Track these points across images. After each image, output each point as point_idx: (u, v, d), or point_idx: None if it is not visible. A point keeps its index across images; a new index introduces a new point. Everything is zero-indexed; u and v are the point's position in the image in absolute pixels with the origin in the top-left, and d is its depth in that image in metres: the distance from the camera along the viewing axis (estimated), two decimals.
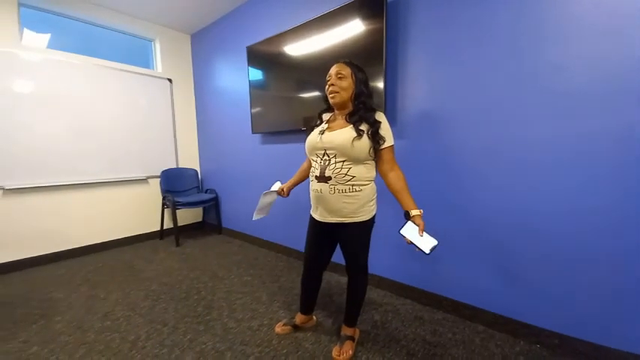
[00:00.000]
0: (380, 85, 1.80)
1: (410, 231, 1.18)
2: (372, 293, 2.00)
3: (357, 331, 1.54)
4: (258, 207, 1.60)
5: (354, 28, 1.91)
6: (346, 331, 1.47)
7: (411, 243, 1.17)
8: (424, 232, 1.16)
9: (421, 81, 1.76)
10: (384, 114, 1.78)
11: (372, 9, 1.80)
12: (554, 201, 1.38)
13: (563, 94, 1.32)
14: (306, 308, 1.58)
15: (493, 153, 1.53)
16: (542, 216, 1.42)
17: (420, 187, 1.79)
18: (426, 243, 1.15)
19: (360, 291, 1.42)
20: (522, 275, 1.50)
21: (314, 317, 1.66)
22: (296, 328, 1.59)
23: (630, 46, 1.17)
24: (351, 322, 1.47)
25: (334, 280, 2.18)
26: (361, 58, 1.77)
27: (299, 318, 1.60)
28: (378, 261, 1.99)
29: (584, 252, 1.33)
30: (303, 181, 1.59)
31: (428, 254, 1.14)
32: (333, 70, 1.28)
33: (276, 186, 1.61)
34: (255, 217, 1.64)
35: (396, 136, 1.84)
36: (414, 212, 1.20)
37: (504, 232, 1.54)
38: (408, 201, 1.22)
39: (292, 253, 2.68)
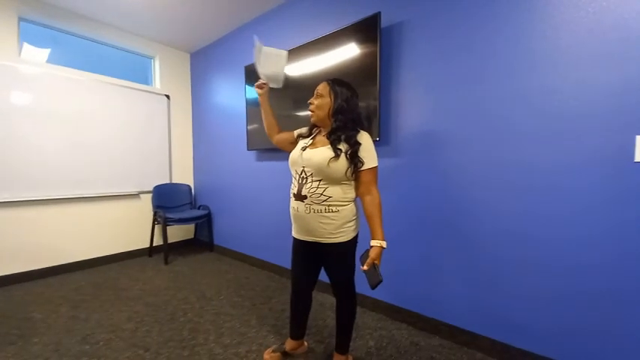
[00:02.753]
0: (375, 105, 1.82)
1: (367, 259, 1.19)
2: (367, 317, 1.93)
3: (350, 358, 1.46)
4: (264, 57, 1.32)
5: (349, 51, 1.96)
6: (338, 358, 1.41)
7: (364, 272, 1.17)
8: (376, 266, 1.16)
9: (416, 102, 1.78)
10: (379, 134, 1.83)
11: (366, 34, 1.85)
12: (554, 226, 1.36)
13: (556, 116, 1.34)
14: (297, 333, 1.51)
15: (489, 174, 1.53)
16: (541, 241, 1.40)
17: (416, 207, 1.79)
18: (375, 278, 1.14)
19: (348, 314, 1.37)
20: (522, 301, 1.46)
21: (305, 343, 1.58)
22: (286, 355, 1.51)
23: (619, 69, 1.20)
24: (342, 348, 1.41)
25: (328, 302, 2.11)
26: (357, 80, 1.80)
27: (289, 344, 1.52)
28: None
29: (585, 282, 1.30)
30: (270, 112, 1.48)
31: (372, 289, 1.15)
32: (316, 89, 1.31)
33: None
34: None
35: (389, 154, 1.87)
36: (372, 242, 1.19)
37: (503, 255, 1.51)
38: (375, 229, 1.20)
39: (285, 272, 2.61)
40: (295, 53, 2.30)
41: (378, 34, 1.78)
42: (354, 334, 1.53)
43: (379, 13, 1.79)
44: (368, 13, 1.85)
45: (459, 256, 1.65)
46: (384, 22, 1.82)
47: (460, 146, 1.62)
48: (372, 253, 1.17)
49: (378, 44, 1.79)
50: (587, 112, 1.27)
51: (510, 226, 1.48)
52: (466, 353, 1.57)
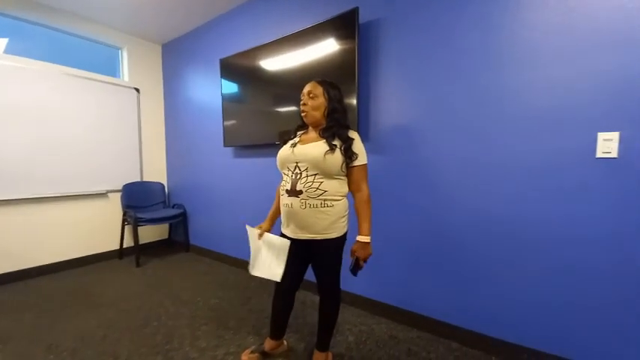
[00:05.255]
0: (353, 101, 1.82)
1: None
2: (347, 312, 1.94)
3: (330, 355, 1.46)
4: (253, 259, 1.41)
5: (328, 46, 1.93)
6: (318, 356, 1.40)
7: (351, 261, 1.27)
8: (360, 260, 1.25)
9: (393, 99, 1.80)
10: (357, 130, 1.82)
11: (344, 29, 1.83)
12: (527, 220, 1.42)
13: (525, 113, 1.40)
14: (277, 332, 1.48)
15: (464, 169, 1.57)
16: (515, 233, 1.46)
17: (393, 202, 1.81)
18: (354, 269, 1.28)
19: (332, 312, 1.37)
20: (496, 292, 1.52)
21: (285, 342, 1.56)
22: (265, 355, 1.48)
23: (583, 67, 1.26)
24: (322, 346, 1.40)
25: (309, 300, 2.10)
26: (335, 76, 1.77)
27: (268, 344, 1.49)
28: (353, 279, 1.93)
29: (558, 269, 1.36)
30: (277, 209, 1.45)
31: (354, 276, 1.29)
32: (305, 89, 1.29)
33: (254, 233, 1.43)
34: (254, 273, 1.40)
35: (369, 151, 1.84)
36: (358, 237, 1.24)
37: (479, 249, 1.56)
38: (362, 225, 1.25)
39: None
40: (272, 47, 2.25)
41: (356, 30, 1.77)
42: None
43: (357, 8, 1.77)
44: (346, 8, 1.83)
45: (437, 251, 1.69)
46: (363, 17, 1.81)
47: (437, 142, 1.65)
48: (355, 245, 1.25)
49: (356, 40, 1.78)
50: (554, 107, 1.33)
51: (486, 221, 1.53)
52: (442, 344, 1.62)
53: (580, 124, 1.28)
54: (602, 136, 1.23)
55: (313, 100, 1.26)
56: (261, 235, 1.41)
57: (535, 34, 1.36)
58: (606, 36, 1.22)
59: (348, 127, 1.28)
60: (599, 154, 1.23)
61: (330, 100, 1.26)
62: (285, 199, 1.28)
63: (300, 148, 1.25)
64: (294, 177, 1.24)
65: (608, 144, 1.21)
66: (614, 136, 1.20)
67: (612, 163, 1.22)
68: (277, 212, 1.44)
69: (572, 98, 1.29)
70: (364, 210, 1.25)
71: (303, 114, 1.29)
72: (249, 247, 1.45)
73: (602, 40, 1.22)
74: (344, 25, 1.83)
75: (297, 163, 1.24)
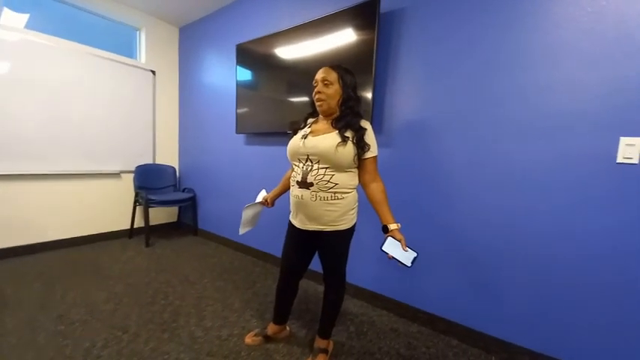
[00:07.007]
0: (368, 94, 1.79)
1: (391, 246, 1.17)
2: (349, 303, 1.96)
3: (332, 343, 1.48)
4: (242, 221, 1.55)
5: (346, 36, 1.90)
6: (320, 343, 1.42)
7: (393, 258, 1.15)
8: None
9: (410, 93, 1.77)
10: (371, 123, 1.80)
11: (364, 19, 1.80)
12: (536, 220, 1.40)
13: (547, 114, 1.36)
14: (280, 318, 1.51)
15: (478, 168, 1.55)
16: (522, 234, 1.44)
17: (402, 197, 1.80)
18: (407, 256, 1.14)
19: (336, 302, 1.38)
20: (499, 291, 1.52)
21: (287, 327, 1.59)
22: (267, 338, 1.52)
23: (611, 70, 1.22)
24: (325, 334, 1.42)
25: (312, 289, 2.13)
26: (352, 67, 1.75)
27: (271, 328, 1.52)
28: (357, 271, 1.96)
29: (561, 273, 1.35)
30: (288, 190, 1.51)
31: (409, 267, 1.14)
32: (318, 75, 1.24)
33: (261, 196, 1.57)
34: (241, 232, 1.58)
35: (382, 144, 1.86)
36: (392, 226, 1.19)
37: (484, 247, 1.55)
38: (386, 214, 1.21)
39: (269, 258, 2.61)
40: (289, 34, 2.22)
41: (377, 20, 1.74)
42: None
43: None
44: None
45: (442, 249, 1.68)
46: (384, 7, 1.77)
47: (452, 142, 1.62)
48: (399, 235, 1.17)
49: (376, 31, 1.74)
50: (576, 110, 1.29)
51: (492, 219, 1.51)
52: (442, 340, 1.63)
53: (602, 127, 1.24)
54: (624, 140, 1.19)
55: (328, 87, 1.21)
56: (265, 201, 1.56)
57: (566, 35, 1.30)
58: (635, 41, 1.17)
59: (360, 116, 1.24)
60: (619, 160, 1.20)
61: (344, 87, 1.22)
62: (295, 191, 1.27)
63: (311, 140, 1.22)
64: (304, 169, 1.23)
65: (630, 149, 1.18)
66: (637, 141, 1.17)
67: (633, 169, 1.18)
68: (282, 190, 1.55)
69: (596, 100, 1.25)
70: (386, 199, 1.23)
71: (318, 103, 1.24)
72: (255, 232, 1.47)
73: (631, 46, 1.17)
74: (364, 14, 1.80)
75: (308, 155, 1.22)
